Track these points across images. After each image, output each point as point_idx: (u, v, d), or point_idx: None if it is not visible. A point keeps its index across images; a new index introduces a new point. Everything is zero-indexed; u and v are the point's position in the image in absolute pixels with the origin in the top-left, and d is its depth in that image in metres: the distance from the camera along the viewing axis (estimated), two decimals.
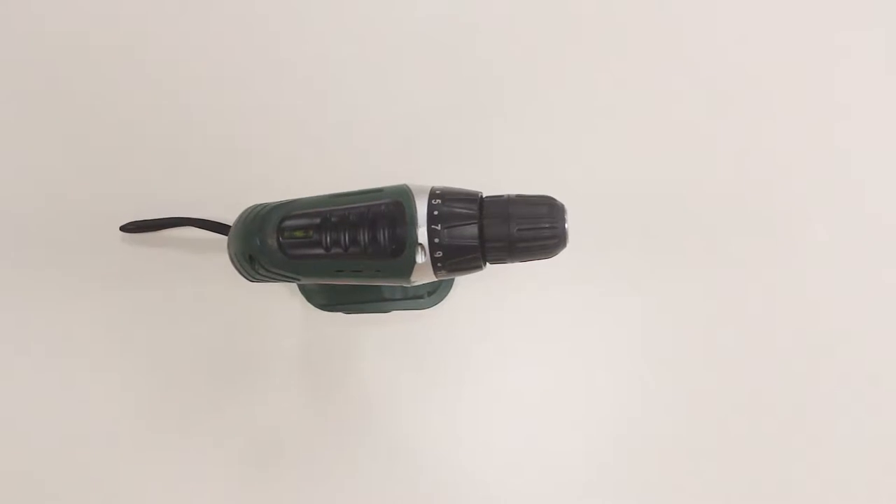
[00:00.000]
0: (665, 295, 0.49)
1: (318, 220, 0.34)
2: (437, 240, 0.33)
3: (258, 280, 0.38)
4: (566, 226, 0.34)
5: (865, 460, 0.47)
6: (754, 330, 0.49)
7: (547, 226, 0.33)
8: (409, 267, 0.34)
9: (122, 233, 0.47)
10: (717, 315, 0.49)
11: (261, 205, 0.37)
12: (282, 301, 0.48)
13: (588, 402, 0.48)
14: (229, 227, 0.39)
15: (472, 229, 0.33)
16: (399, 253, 0.34)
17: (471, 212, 0.33)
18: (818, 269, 0.49)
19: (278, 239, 0.35)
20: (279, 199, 0.37)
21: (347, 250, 0.34)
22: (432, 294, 0.47)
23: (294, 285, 0.47)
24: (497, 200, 0.34)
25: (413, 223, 0.33)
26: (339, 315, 0.47)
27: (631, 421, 0.48)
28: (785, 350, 0.48)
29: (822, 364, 0.48)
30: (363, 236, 0.34)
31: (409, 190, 0.34)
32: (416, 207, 0.33)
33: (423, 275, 0.34)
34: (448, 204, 0.33)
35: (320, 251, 0.34)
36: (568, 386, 0.48)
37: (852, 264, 0.49)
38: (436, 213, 0.33)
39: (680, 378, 0.48)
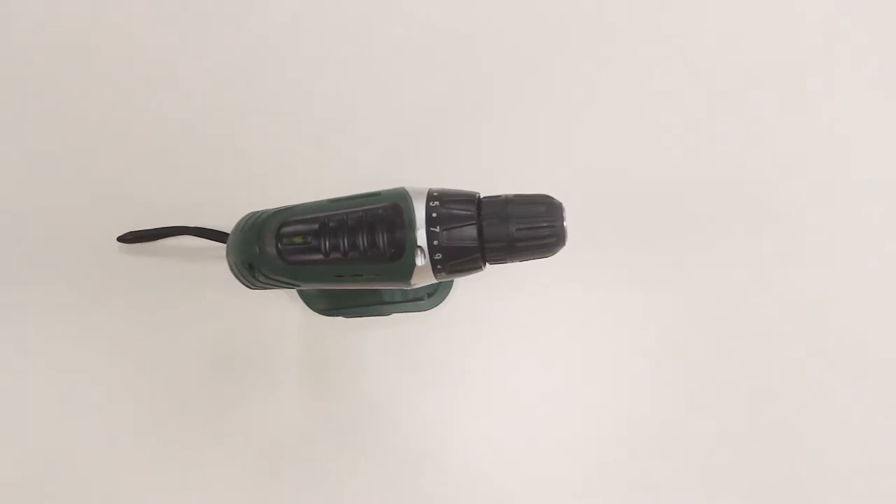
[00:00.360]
0: (665, 294, 0.49)
1: (316, 226, 0.34)
2: (436, 242, 0.33)
3: (258, 287, 0.38)
4: (565, 224, 0.34)
5: (865, 460, 0.47)
6: (754, 330, 0.48)
7: (545, 225, 0.33)
8: (408, 270, 0.34)
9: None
10: (718, 314, 0.49)
11: (259, 212, 0.37)
12: (282, 307, 0.48)
13: (588, 402, 0.48)
14: (227, 235, 0.39)
15: (471, 230, 0.33)
16: (398, 256, 0.34)
17: (469, 213, 0.33)
18: (818, 269, 0.49)
19: (277, 246, 0.35)
20: (277, 206, 0.37)
21: (347, 255, 0.34)
22: (432, 296, 0.47)
23: (294, 291, 0.47)
24: (495, 201, 0.34)
25: (412, 226, 0.33)
26: (340, 319, 0.47)
27: (631, 421, 0.48)
28: (785, 350, 0.48)
29: (822, 364, 0.48)
30: (362, 241, 0.34)
31: (407, 193, 0.34)
32: (414, 210, 0.33)
33: (422, 277, 0.34)
34: (446, 206, 0.33)
35: (319, 257, 0.34)
36: (568, 386, 0.48)
37: (852, 264, 0.49)
38: (434, 215, 0.33)
39: (680, 377, 0.48)
